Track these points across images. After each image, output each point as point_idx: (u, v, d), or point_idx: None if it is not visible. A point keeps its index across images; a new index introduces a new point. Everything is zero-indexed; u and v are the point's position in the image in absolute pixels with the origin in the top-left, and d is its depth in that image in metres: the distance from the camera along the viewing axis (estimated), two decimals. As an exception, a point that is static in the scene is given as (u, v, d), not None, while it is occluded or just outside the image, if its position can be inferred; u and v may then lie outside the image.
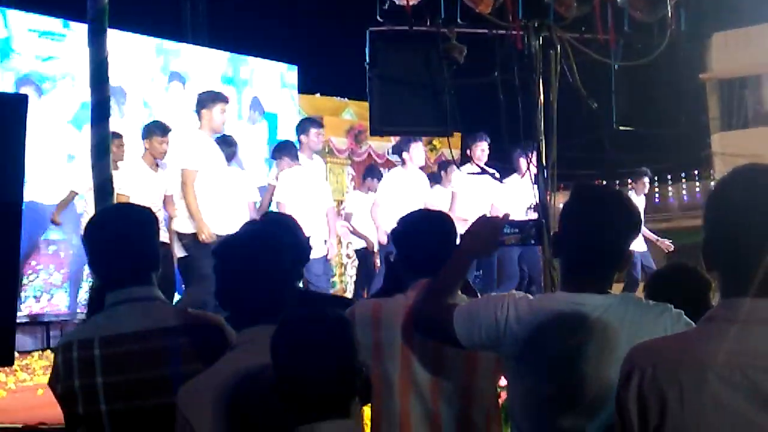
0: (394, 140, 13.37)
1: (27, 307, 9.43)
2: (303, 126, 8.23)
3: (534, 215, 6.47)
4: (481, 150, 9.08)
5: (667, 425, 1.66)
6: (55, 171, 9.47)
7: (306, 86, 14.08)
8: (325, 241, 8.05)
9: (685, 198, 23.36)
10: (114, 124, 8.25)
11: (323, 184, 8.35)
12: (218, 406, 2.17)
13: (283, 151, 8.42)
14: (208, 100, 7.43)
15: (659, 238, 10.82)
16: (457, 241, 3.02)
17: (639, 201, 10.73)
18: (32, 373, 6.80)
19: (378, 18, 5.98)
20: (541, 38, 5.78)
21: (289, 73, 13.68)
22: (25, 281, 9.32)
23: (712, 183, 22.07)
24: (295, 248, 2.50)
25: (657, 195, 23.09)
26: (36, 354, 8.23)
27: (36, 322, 9.62)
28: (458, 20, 5.94)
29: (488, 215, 2.81)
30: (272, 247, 2.41)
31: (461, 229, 2.87)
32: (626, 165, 11.20)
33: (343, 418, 1.94)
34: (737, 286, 1.68)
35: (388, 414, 2.86)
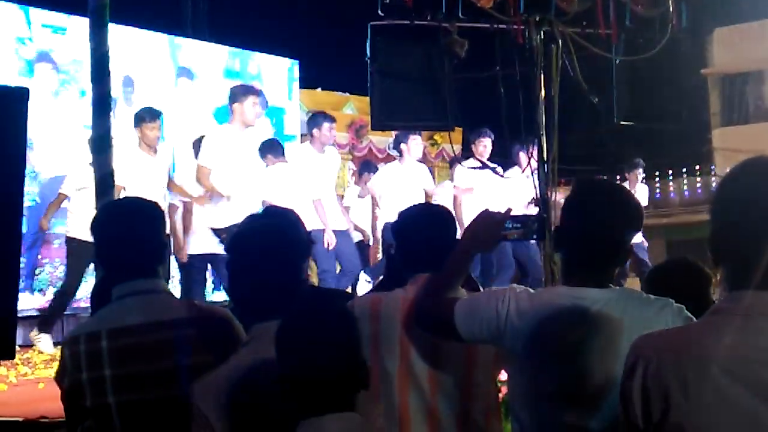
0: (395, 135, 13.38)
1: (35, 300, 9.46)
2: (316, 120, 8.19)
3: (534, 210, 6.48)
4: (484, 146, 9.08)
5: (671, 417, 1.66)
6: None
7: (307, 81, 14.07)
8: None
9: (686, 193, 23.38)
10: (122, 113, 8.34)
11: (329, 176, 8.23)
12: (233, 401, 2.18)
13: (268, 149, 8.41)
14: (239, 93, 7.43)
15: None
16: (458, 236, 3.02)
17: (641, 192, 10.72)
18: (33, 367, 6.81)
19: (379, 12, 5.98)
20: (542, 33, 5.78)
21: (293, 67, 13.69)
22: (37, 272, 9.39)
23: (713, 178, 22.13)
24: (301, 243, 2.50)
25: (658, 190, 23.09)
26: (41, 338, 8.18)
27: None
28: (459, 15, 5.94)
29: (490, 210, 2.79)
30: (285, 242, 2.40)
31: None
32: (627, 160, 11.17)
33: (348, 411, 1.94)
34: (743, 279, 1.68)
35: (387, 408, 2.85)
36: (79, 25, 8.86)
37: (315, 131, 7.99)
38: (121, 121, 8.41)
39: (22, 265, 8.90)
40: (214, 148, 7.38)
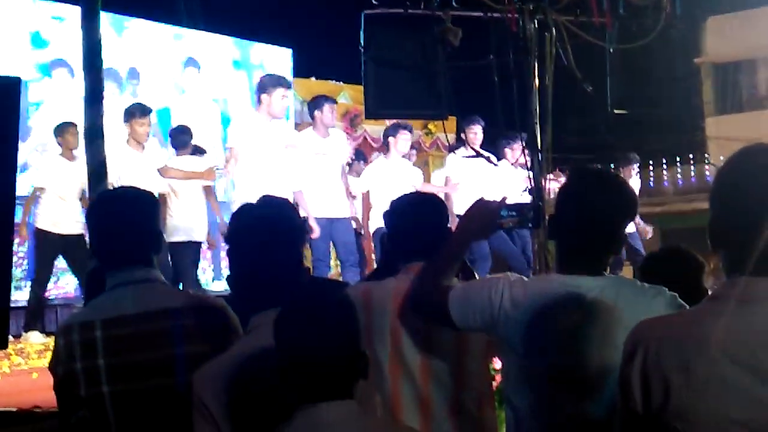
0: (389, 124, 13.35)
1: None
2: (317, 102, 8.13)
3: (528, 198, 6.48)
4: (474, 133, 9.04)
5: (672, 402, 1.67)
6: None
7: (301, 70, 14.05)
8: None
9: (680, 182, 23.42)
10: (126, 104, 8.33)
11: (334, 160, 8.13)
12: (235, 391, 2.18)
13: None
14: (269, 84, 7.29)
15: (642, 223, 10.69)
16: (449, 225, 3.02)
17: (635, 186, 10.69)
18: (27, 357, 6.79)
19: (373, 1, 5.97)
20: (536, 21, 5.77)
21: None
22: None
23: (707, 167, 22.17)
24: (298, 231, 2.49)
25: (651, 179, 23.13)
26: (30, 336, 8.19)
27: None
28: (453, 3, 5.93)
29: (485, 198, 2.79)
30: (283, 230, 2.40)
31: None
32: (621, 149, 11.13)
33: (346, 398, 1.94)
34: (743, 265, 1.69)
35: (380, 399, 2.85)
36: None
37: (317, 113, 7.90)
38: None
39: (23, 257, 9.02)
40: (240, 132, 7.24)
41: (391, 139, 8.94)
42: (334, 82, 14.80)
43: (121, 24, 11.18)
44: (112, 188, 5.23)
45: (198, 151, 9.35)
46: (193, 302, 2.65)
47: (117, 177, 7.40)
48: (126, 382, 2.51)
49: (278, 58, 13.37)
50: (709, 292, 3.25)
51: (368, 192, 9.05)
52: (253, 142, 7.15)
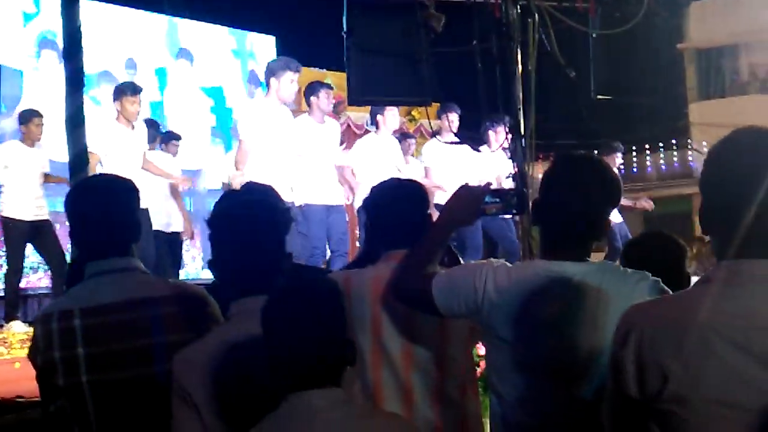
0: (371, 108, 13.31)
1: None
2: (312, 88, 8.06)
3: (511, 184, 6.48)
4: (451, 121, 8.94)
5: (669, 387, 1.67)
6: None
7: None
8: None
9: (663, 167, 23.48)
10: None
11: (329, 147, 8.04)
12: (216, 376, 2.18)
13: None
14: (277, 68, 7.12)
15: (636, 199, 10.66)
16: (429, 212, 3.01)
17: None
18: (9, 347, 6.76)
19: (355, -13, 5.94)
20: (519, 7, 5.77)
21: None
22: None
23: (690, 153, 22.24)
24: (282, 218, 2.48)
25: (635, 164, 23.18)
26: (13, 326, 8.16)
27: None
28: (436, -11, 5.91)
29: (469, 184, 2.78)
30: (266, 217, 2.39)
31: (438, 198, 2.86)
32: (604, 134, 11.12)
33: (334, 386, 1.94)
34: (735, 248, 1.70)
35: (361, 386, 2.84)
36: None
37: (313, 99, 7.82)
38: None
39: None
40: (250, 125, 7.06)
41: (379, 117, 8.81)
42: (317, 69, 14.75)
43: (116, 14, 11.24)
44: (91, 176, 5.19)
45: (173, 137, 9.35)
46: (173, 291, 2.63)
47: (104, 153, 7.38)
48: (105, 372, 2.49)
49: (268, 47, 13.43)
50: (692, 278, 3.27)
51: (357, 170, 8.95)
52: (264, 131, 6.98)
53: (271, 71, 7.15)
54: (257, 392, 2.12)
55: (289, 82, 7.07)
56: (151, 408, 2.38)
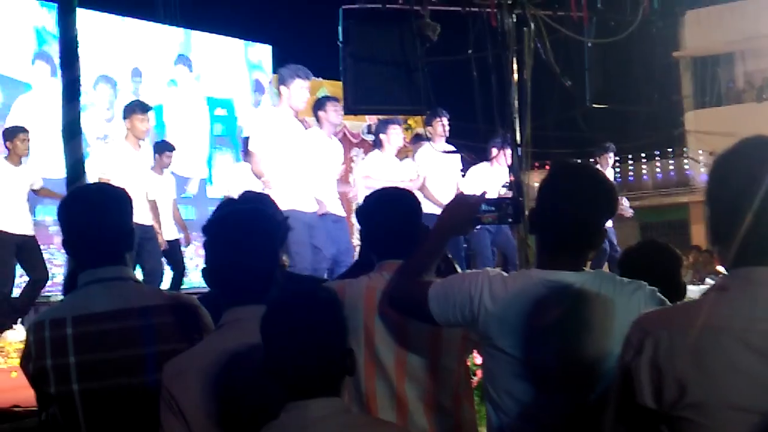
0: (368, 120, 13.33)
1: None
2: (319, 102, 8.03)
3: (508, 193, 6.48)
4: (442, 125, 8.85)
5: (688, 394, 1.67)
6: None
7: (280, 66, 14.03)
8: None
9: (659, 176, 23.51)
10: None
11: (335, 161, 7.95)
12: (205, 385, 2.17)
13: None
14: (287, 76, 7.03)
15: (622, 200, 10.68)
16: (422, 221, 3.01)
17: (610, 176, 10.70)
18: (6, 356, 6.74)
19: (351, -4, 5.96)
20: (514, 16, 5.77)
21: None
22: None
23: (685, 161, 22.27)
24: (277, 229, 2.48)
25: (631, 173, 23.21)
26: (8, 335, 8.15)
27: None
28: (431, -2, 5.93)
29: (465, 193, 2.79)
30: (261, 226, 2.39)
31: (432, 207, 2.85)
32: (599, 143, 11.17)
33: (333, 396, 1.94)
34: (747, 256, 1.71)
35: (354, 396, 2.84)
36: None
37: (321, 114, 7.72)
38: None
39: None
40: (260, 136, 6.99)
41: (382, 136, 8.73)
42: (313, 78, 14.76)
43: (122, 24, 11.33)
44: (84, 184, 5.17)
45: (167, 148, 9.37)
46: (165, 300, 2.63)
47: (111, 175, 7.36)
48: (96, 381, 2.49)
49: (263, 56, 13.55)
50: (688, 287, 3.27)
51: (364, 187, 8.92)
52: (276, 141, 6.92)
53: (282, 80, 7.10)
54: (245, 401, 2.12)
55: (299, 89, 7.00)
56: (142, 417, 2.37)
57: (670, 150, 23.23)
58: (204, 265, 2.38)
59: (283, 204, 6.10)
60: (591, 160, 11.06)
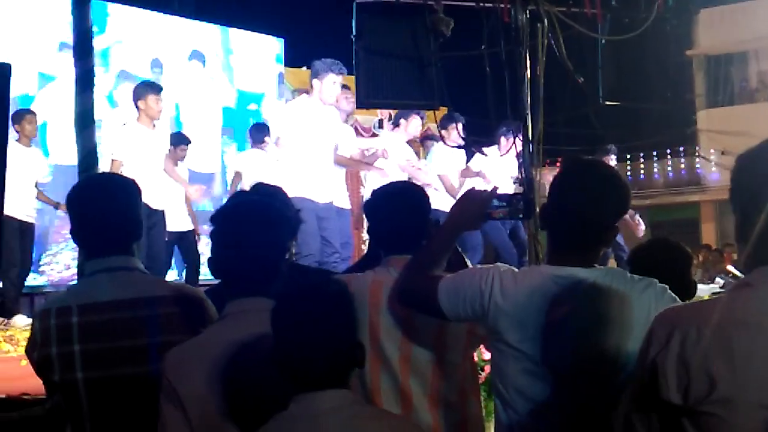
0: (380, 114, 13.32)
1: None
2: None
3: (519, 189, 6.47)
4: (457, 131, 8.83)
5: (717, 390, 1.66)
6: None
7: (293, 59, 14.04)
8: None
9: (670, 174, 23.43)
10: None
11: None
12: (207, 375, 2.17)
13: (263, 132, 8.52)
14: (320, 70, 7.08)
15: (635, 216, 10.64)
16: (430, 216, 3.01)
17: None
18: (16, 344, 6.77)
19: (365, -10, 5.96)
20: (528, 12, 5.76)
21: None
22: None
23: (697, 160, 22.20)
24: (288, 221, 2.48)
25: (642, 171, 23.16)
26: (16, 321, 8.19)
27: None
28: (445, -7, 5.92)
29: (476, 188, 2.78)
30: (270, 218, 2.39)
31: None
32: (611, 140, 11.14)
33: (341, 388, 1.95)
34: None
35: (359, 390, 2.84)
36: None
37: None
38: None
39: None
40: (285, 120, 7.09)
41: (402, 120, 8.77)
42: (346, 74, 14.78)
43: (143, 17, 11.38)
44: (93, 174, 5.19)
45: (183, 141, 9.38)
46: (171, 291, 2.65)
47: (127, 158, 7.37)
48: (100, 369, 2.51)
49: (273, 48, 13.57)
50: (698, 285, 3.27)
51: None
52: (303, 129, 6.97)
53: (315, 73, 7.15)
54: (247, 392, 2.13)
55: (331, 84, 7.06)
56: (145, 407, 2.37)
57: (681, 149, 23.15)
58: (210, 255, 2.39)
59: (296, 191, 6.18)
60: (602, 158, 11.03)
